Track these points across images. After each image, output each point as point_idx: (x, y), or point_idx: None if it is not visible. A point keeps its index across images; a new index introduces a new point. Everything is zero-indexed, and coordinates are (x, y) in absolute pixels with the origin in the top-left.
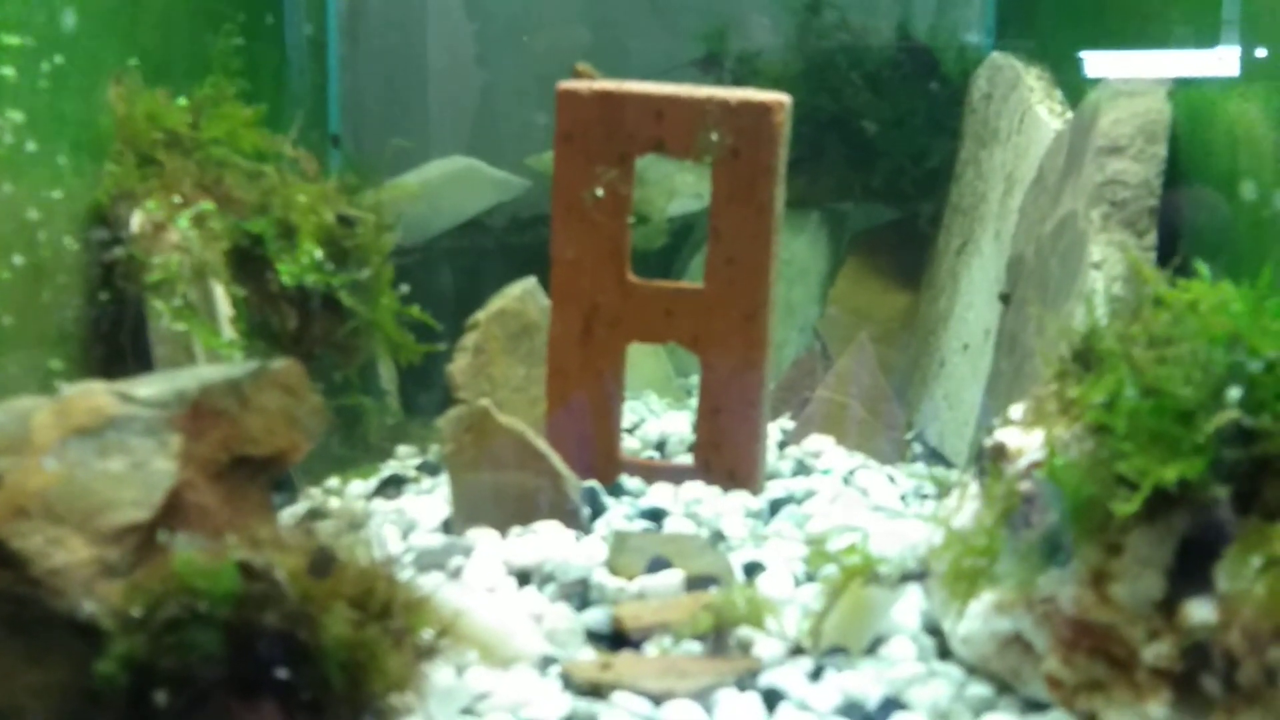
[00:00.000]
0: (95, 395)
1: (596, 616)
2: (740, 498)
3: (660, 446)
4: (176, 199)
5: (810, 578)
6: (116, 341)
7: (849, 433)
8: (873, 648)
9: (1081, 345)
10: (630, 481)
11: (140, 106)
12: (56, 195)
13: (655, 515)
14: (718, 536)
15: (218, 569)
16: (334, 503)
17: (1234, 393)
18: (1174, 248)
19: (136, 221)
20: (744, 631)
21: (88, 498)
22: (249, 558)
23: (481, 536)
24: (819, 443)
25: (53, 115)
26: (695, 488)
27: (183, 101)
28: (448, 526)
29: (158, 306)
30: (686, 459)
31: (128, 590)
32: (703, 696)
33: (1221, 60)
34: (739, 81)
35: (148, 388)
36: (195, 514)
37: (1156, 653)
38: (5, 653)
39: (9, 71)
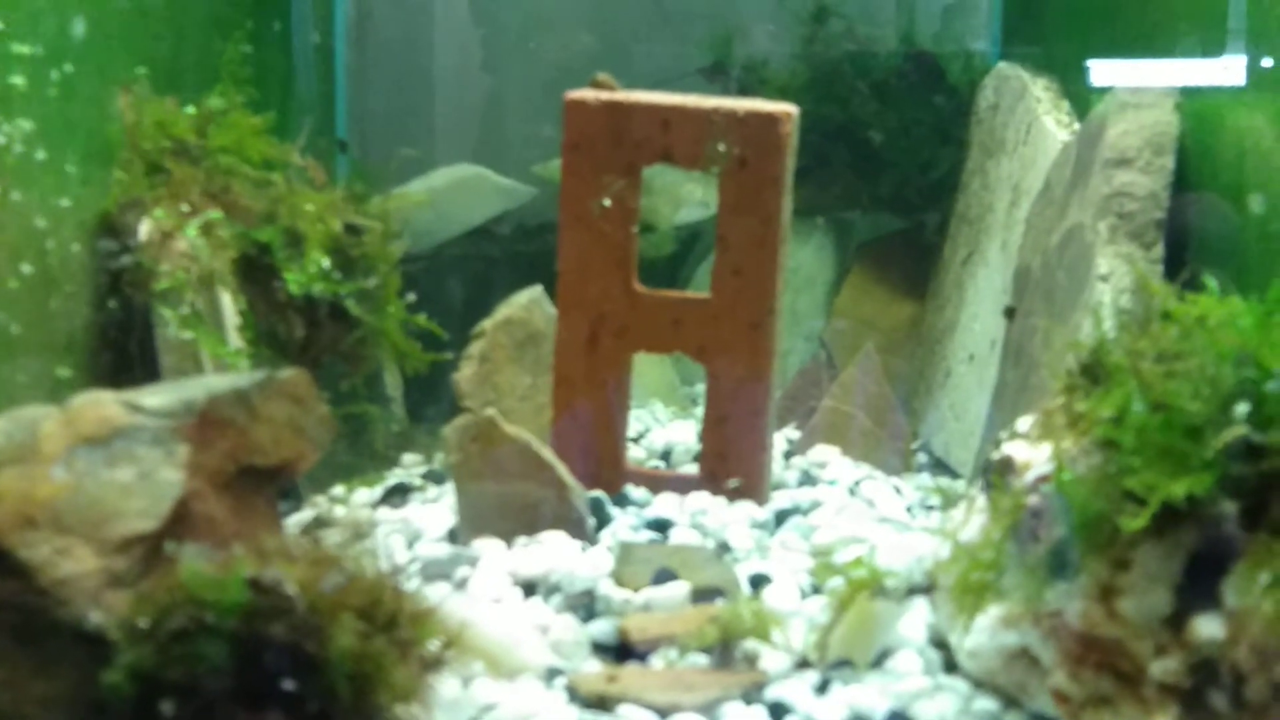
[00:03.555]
0: (103, 405)
1: (602, 628)
2: (746, 508)
3: (665, 456)
4: (184, 207)
5: (816, 590)
6: (124, 349)
7: (854, 443)
8: (879, 661)
9: (1090, 359)
10: (636, 491)
11: (149, 115)
12: (65, 203)
13: (661, 526)
14: (723, 548)
15: (225, 580)
16: (339, 511)
17: (1242, 408)
18: (1181, 260)
19: (144, 230)
20: (750, 644)
21: (95, 507)
22: (258, 573)
23: (487, 547)
24: (824, 453)
25: (62, 123)
26: (701, 498)
27: (191, 110)
28: (453, 536)
29: (165, 315)
30: (692, 469)
31: (135, 600)
32: (709, 709)
33: (1228, 70)
34: (745, 90)
35: (155, 397)
36: (202, 524)
37: (1164, 668)
38: (12, 663)
39: (19, 80)
